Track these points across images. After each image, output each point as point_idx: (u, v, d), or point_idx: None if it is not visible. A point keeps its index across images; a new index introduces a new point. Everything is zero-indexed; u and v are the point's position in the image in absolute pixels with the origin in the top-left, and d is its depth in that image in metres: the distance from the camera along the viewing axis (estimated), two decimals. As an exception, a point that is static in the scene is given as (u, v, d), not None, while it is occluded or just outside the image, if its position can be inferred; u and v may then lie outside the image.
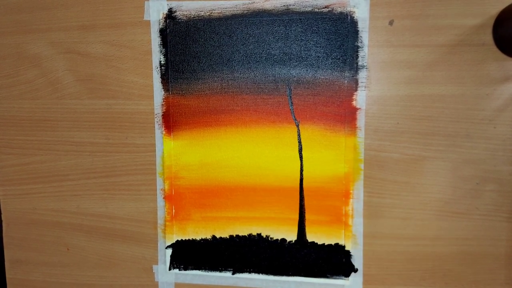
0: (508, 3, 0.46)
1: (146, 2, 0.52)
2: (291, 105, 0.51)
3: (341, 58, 0.50)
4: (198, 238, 0.55)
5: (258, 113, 0.52)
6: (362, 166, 0.51)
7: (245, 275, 0.54)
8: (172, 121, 0.53)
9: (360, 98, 0.50)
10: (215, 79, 0.52)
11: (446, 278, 0.51)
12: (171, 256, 0.55)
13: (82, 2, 0.53)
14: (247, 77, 0.51)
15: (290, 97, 0.51)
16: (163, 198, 0.55)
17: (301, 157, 0.52)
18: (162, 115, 0.53)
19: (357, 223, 0.51)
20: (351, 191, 0.51)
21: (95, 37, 0.54)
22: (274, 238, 0.53)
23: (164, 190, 0.54)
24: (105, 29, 0.53)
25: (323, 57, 0.50)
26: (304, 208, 0.52)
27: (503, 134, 0.49)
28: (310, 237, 0.52)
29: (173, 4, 0.51)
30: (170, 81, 0.53)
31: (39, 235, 0.58)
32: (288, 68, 0.50)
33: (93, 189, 0.56)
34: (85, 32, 0.54)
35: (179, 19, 0.52)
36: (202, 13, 0.51)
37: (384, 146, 0.50)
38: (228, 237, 0.54)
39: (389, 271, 0.52)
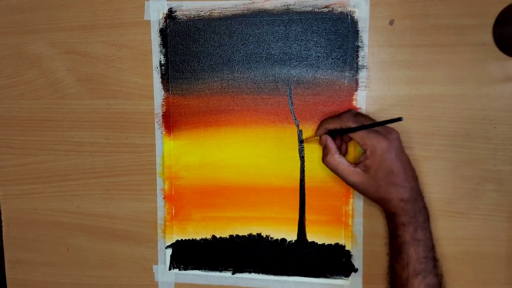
0: (508, 3, 0.46)
1: (146, 2, 0.52)
2: (291, 105, 0.51)
3: (341, 58, 0.50)
4: (198, 238, 0.55)
5: (258, 113, 0.52)
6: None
7: (245, 275, 0.54)
8: (172, 121, 0.53)
9: (360, 98, 0.50)
10: (215, 79, 0.52)
11: (446, 278, 0.51)
12: (171, 256, 0.55)
13: (83, 2, 0.53)
14: (247, 77, 0.51)
15: (290, 97, 0.51)
16: (163, 198, 0.55)
17: (301, 157, 0.52)
18: (162, 115, 0.53)
19: (357, 223, 0.51)
20: (351, 191, 0.51)
21: (95, 37, 0.54)
22: (274, 238, 0.53)
23: (164, 190, 0.54)
24: (105, 29, 0.53)
25: (323, 57, 0.50)
26: (304, 208, 0.52)
27: (503, 134, 0.48)
28: (310, 237, 0.52)
29: (173, 4, 0.51)
30: (170, 81, 0.53)
31: (39, 235, 0.58)
32: (288, 68, 0.50)
33: (93, 189, 0.56)
34: (86, 32, 0.54)
35: (179, 19, 0.52)
36: (202, 13, 0.51)
37: (384, 146, 0.50)
38: (228, 237, 0.54)
39: (389, 271, 0.52)
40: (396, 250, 0.44)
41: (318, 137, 0.48)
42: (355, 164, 0.45)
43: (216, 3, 0.51)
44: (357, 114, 0.46)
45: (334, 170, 0.45)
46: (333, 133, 0.46)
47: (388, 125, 0.44)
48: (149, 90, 0.53)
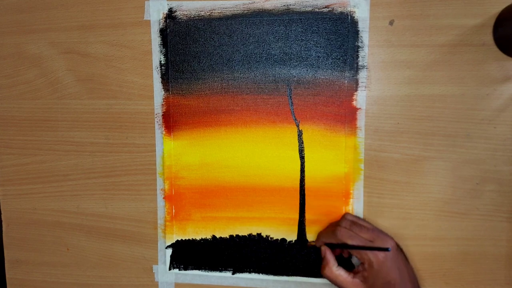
0: (508, 3, 0.46)
1: (146, 2, 0.52)
2: (291, 105, 0.51)
3: (341, 58, 0.50)
4: (198, 238, 0.55)
5: (258, 113, 0.52)
6: (362, 166, 0.51)
7: (245, 275, 0.54)
8: (172, 121, 0.53)
9: (360, 98, 0.50)
10: (215, 79, 0.52)
11: (446, 278, 0.51)
12: (171, 256, 0.55)
13: (82, 2, 0.53)
14: (247, 77, 0.51)
15: (290, 97, 0.51)
16: (163, 198, 0.55)
17: (301, 157, 0.52)
18: (162, 115, 0.53)
19: (357, 223, 0.51)
20: (351, 191, 0.51)
21: (95, 37, 0.54)
22: (274, 238, 0.53)
23: (164, 190, 0.54)
24: (105, 29, 0.53)
25: (323, 57, 0.50)
26: (304, 208, 0.52)
27: (503, 134, 0.49)
28: (310, 237, 0.52)
29: (173, 4, 0.51)
30: (170, 81, 0.53)
31: (39, 235, 0.58)
32: (288, 68, 0.50)
33: (93, 189, 0.56)
34: (85, 32, 0.54)
35: (179, 19, 0.51)
36: (202, 13, 0.51)
37: (384, 146, 0.50)
38: (228, 237, 0.54)
39: (389, 271, 0.52)
40: None
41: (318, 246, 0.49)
42: (354, 273, 0.46)
43: (216, 3, 0.51)
44: (352, 224, 0.47)
45: (333, 281, 0.46)
46: (329, 245, 0.48)
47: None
48: (149, 90, 0.53)
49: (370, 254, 0.44)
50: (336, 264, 0.47)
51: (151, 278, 0.56)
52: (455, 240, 0.50)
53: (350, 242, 0.45)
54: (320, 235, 0.49)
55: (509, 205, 0.49)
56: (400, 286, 0.44)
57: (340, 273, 0.46)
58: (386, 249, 0.43)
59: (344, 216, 0.49)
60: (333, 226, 0.48)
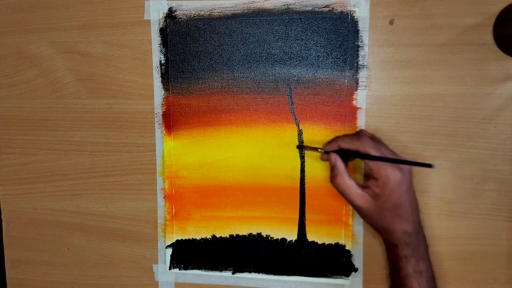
0: (509, 3, 0.46)
1: (146, 1, 0.52)
2: (291, 105, 0.51)
3: (341, 57, 0.50)
4: (198, 238, 0.55)
5: (258, 112, 0.52)
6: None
7: (245, 275, 0.54)
8: (172, 121, 0.53)
9: (361, 98, 0.50)
10: (215, 78, 0.52)
11: (446, 277, 0.51)
12: (171, 255, 0.55)
13: (82, 2, 0.53)
14: (247, 77, 0.51)
15: (291, 96, 0.51)
16: (163, 197, 0.55)
17: (301, 157, 0.52)
18: (162, 114, 0.53)
19: (357, 222, 0.51)
20: (351, 191, 0.51)
21: (95, 36, 0.54)
22: (274, 238, 0.53)
23: (164, 189, 0.54)
24: (105, 29, 0.53)
25: (323, 57, 0.50)
26: (305, 207, 0.52)
27: (503, 133, 0.49)
28: (310, 237, 0.52)
29: (173, 4, 0.51)
30: (170, 80, 0.53)
31: (39, 234, 0.58)
32: (289, 67, 0.50)
33: (93, 188, 0.56)
34: (85, 32, 0.54)
35: (179, 18, 0.52)
36: (202, 13, 0.51)
37: (384, 145, 0.50)
38: (228, 237, 0.54)
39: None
40: (399, 284, 0.43)
41: (320, 150, 0.47)
42: (363, 187, 0.43)
43: (216, 3, 0.51)
44: (374, 139, 0.44)
45: (342, 192, 0.44)
46: (342, 153, 0.44)
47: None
48: (149, 89, 0.53)
49: (390, 171, 0.40)
50: (348, 174, 0.43)
51: (151, 277, 0.56)
52: (455, 239, 0.50)
53: (373, 153, 0.41)
54: (337, 139, 0.45)
55: (509, 204, 0.49)
56: (409, 212, 0.41)
57: (351, 184, 0.43)
58: (428, 165, 0.39)
59: (362, 130, 0.46)
60: (351, 136, 0.44)
